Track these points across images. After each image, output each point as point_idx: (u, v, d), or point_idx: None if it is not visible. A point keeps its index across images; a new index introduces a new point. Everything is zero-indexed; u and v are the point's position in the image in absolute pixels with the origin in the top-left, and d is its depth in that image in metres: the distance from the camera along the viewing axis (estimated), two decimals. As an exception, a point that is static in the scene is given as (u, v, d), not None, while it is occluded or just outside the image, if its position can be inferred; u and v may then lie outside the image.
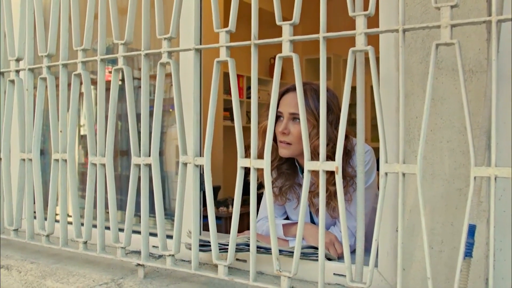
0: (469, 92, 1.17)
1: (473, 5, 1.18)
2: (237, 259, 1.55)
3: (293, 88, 1.70)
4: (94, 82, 1.82)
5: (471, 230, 1.09)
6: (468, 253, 1.09)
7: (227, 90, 5.40)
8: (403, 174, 1.11)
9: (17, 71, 1.85)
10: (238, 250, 1.45)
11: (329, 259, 1.57)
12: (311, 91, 1.68)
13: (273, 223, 1.27)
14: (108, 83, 1.59)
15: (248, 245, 1.41)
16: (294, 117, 1.70)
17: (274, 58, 1.28)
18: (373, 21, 1.26)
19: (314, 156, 1.40)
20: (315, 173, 1.24)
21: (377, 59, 1.21)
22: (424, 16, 1.24)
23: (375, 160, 1.74)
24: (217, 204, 4.87)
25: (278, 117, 1.75)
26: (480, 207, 1.14)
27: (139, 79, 1.56)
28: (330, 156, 1.50)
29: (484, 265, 1.16)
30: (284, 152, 1.73)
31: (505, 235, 1.16)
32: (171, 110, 2.52)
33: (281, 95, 1.76)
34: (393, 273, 1.30)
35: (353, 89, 1.18)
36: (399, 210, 1.10)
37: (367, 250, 1.21)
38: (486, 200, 1.16)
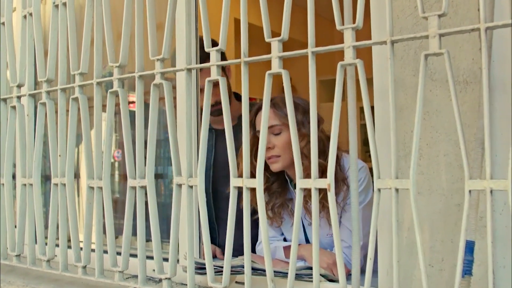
0: (464, 103, 1.14)
1: (464, 15, 1.15)
2: (236, 282, 1.51)
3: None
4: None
5: (470, 247, 1.04)
6: (468, 271, 1.04)
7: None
8: (397, 190, 1.07)
9: (19, 97, 1.86)
10: (236, 272, 1.41)
11: (332, 281, 1.52)
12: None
13: (267, 243, 1.24)
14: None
15: (246, 267, 1.37)
16: (273, 131, 1.66)
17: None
18: (367, 34, 1.24)
19: (307, 159, 1.35)
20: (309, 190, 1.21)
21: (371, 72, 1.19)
22: (416, 28, 1.21)
23: (370, 177, 1.69)
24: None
25: (257, 137, 1.69)
26: (480, 222, 1.09)
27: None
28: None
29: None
30: (275, 166, 1.69)
31: (508, 251, 1.10)
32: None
33: (255, 114, 1.72)
34: (394, 294, 1.25)
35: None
36: (393, 227, 1.06)
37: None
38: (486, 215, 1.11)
